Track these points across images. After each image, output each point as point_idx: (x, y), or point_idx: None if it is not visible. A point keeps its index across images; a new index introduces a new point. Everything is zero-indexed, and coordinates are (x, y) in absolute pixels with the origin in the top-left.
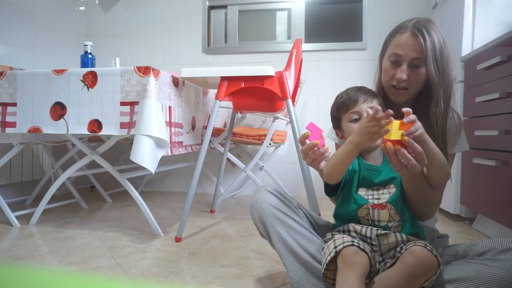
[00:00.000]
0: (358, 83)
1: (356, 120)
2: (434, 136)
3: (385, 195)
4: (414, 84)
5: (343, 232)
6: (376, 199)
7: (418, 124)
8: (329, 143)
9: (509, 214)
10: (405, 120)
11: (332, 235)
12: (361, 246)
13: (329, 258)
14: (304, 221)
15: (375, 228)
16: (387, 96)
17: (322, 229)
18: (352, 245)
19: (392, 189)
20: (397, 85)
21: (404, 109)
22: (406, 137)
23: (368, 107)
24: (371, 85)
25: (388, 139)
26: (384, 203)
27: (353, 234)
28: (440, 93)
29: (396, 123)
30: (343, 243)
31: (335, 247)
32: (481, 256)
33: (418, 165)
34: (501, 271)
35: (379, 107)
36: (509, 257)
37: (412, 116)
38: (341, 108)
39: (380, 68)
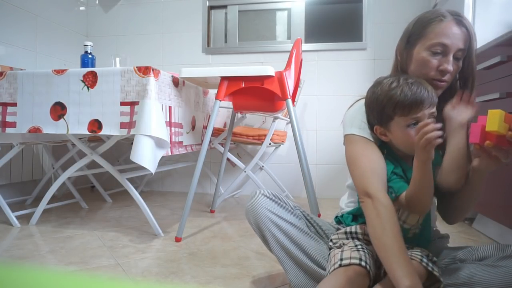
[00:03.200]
0: (358, 83)
1: (414, 125)
2: None
3: None
4: (453, 77)
5: (350, 233)
6: None
7: None
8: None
9: (509, 214)
10: None
11: (340, 245)
12: (368, 267)
13: (332, 268)
14: (301, 223)
15: None
16: None
17: (321, 229)
18: (360, 265)
19: None
20: (438, 78)
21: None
22: (511, 133)
23: (429, 113)
24: (370, 84)
25: (493, 130)
26: None
27: (360, 236)
28: (474, 84)
29: (501, 113)
30: (350, 258)
31: (341, 259)
32: (480, 261)
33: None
34: (500, 278)
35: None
36: (509, 263)
37: None
38: (401, 109)
39: (402, 58)
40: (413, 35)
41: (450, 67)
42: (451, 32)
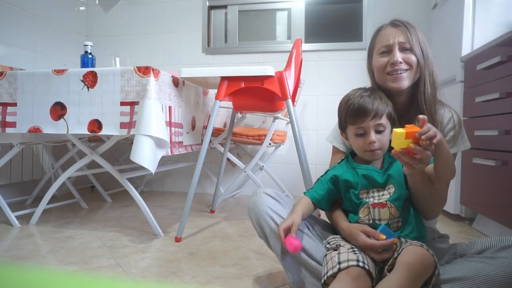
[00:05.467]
0: (358, 83)
1: (361, 135)
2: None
3: (385, 196)
4: (412, 66)
5: (345, 239)
6: (376, 198)
7: (433, 129)
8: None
9: (509, 214)
10: (417, 135)
11: (337, 246)
12: (367, 267)
13: (331, 272)
14: (302, 224)
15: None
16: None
17: (320, 230)
18: (358, 265)
19: (391, 189)
20: (392, 70)
21: (420, 116)
22: (412, 145)
23: (375, 124)
24: (370, 84)
25: (395, 148)
26: (384, 202)
27: None
28: (426, 75)
29: (401, 133)
30: (348, 260)
31: (339, 263)
32: (480, 254)
33: (423, 164)
34: (500, 269)
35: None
36: (508, 254)
37: (427, 126)
38: (348, 118)
39: (372, 72)
40: (369, 50)
41: (396, 58)
42: (389, 33)
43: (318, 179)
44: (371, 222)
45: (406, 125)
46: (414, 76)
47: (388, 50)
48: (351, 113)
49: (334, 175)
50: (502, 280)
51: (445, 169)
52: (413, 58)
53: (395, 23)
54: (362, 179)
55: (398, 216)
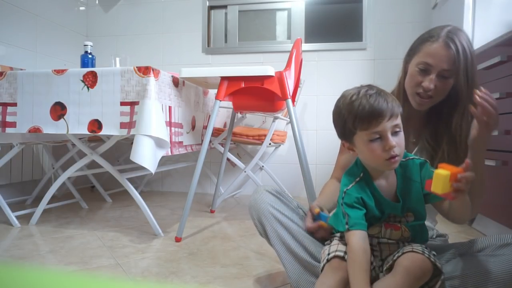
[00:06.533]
0: (358, 83)
1: (376, 141)
2: (456, 147)
3: (402, 223)
4: (440, 93)
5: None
6: (392, 220)
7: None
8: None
9: (509, 214)
10: (460, 177)
11: (331, 241)
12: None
13: (322, 265)
14: (303, 222)
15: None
16: (406, 99)
17: None
18: (343, 257)
19: (410, 218)
20: (423, 93)
21: (468, 161)
22: (454, 185)
23: (392, 125)
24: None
25: (437, 192)
26: (399, 225)
27: None
28: (467, 105)
29: (445, 175)
30: (336, 251)
31: (328, 254)
32: (480, 252)
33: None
34: (500, 266)
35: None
36: (508, 251)
37: (470, 174)
38: (360, 123)
39: (405, 71)
40: (412, 50)
41: (430, 85)
42: (437, 53)
43: (345, 204)
44: (379, 240)
45: (440, 165)
46: (438, 100)
47: (426, 69)
48: (363, 117)
49: (361, 198)
50: (502, 277)
51: (459, 214)
52: (448, 84)
53: (447, 43)
54: (386, 215)
55: (408, 236)
